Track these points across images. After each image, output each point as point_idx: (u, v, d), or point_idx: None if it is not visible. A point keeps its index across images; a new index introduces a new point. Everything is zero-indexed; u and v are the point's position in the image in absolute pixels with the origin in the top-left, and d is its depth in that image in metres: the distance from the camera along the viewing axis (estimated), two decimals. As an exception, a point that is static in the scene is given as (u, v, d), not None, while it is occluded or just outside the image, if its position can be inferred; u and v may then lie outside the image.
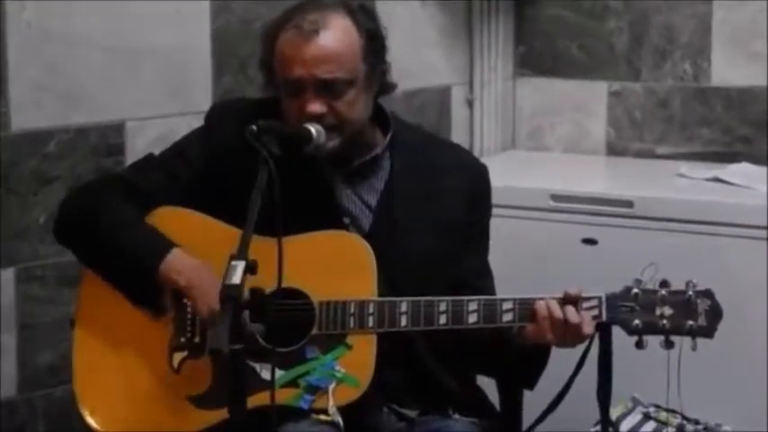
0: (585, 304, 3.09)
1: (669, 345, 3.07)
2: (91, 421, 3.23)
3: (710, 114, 4.66)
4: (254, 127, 2.97)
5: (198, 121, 3.41)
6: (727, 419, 4.02)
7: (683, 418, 4.00)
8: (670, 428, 3.98)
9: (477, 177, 3.45)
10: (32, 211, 3.63)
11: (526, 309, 3.09)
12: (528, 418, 3.35)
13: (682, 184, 4.40)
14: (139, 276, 3.20)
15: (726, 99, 4.63)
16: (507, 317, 3.10)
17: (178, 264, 3.18)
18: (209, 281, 3.09)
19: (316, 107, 3.16)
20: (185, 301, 3.19)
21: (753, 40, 4.58)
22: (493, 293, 3.31)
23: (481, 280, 3.38)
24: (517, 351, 3.21)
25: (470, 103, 4.80)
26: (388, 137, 3.36)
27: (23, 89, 3.68)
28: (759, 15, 4.56)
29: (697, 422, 4.00)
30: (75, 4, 3.75)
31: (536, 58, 4.91)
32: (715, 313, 3.07)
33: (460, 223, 3.37)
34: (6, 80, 3.64)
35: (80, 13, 3.76)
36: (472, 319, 3.11)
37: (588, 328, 3.08)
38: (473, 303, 3.12)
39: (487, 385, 3.46)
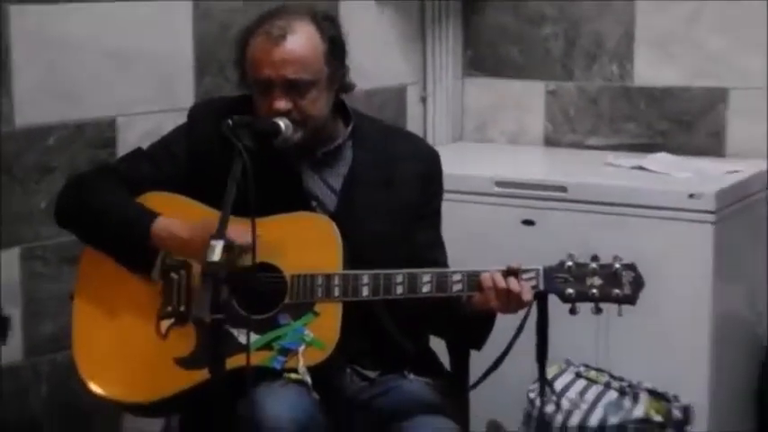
0: (525, 276, 3.12)
1: (598, 311, 3.11)
2: (88, 383, 3.25)
3: (634, 111, 4.71)
4: (230, 122, 3.03)
5: (181, 118, 3.44)
6: (648, 378, 4.05)
7: (610, 376, 4.06)
8: (598, 385, 4.04)
9: (430, 163, 3.48)
10: (35, 198, 3.64)
11: (474, 280, 3.12)
12: (474, 376, 3.37)
13: (609, 171, 4.45)
14: (135, 243, 3.23)
15: (648, 97, 4.68)
16: (457, 287, 3.14)
17: (166, 223, 3.21)
18: (196, 230, 3.12)
19: (283, 104, 3.19)
20: (172, 274, 3.22)
21: (670, 46, 4.63)
22: (445, 263, 3.37)
23: (434, 252, 3.42)
24: (465, 317, 3.23)
25: (424, 101, 4.82)
26: (350, 128, 3.39)
27: (26, 89, 3.68)
28: (676, 24, 4.61)
29: (621, 379, 4.05)
30: (72, 11, 3.76)
31: (482, 60, 4.92)
32: (638, 283, 3.11)
33: (415, 203, 3.40)
34: (10, 81, 3.64)
35: (76, 20, 3.77)
36: (426, 289, 3.14)
37: (528, 296, 3.11)
38: (427, 275, 3.15)
39: (438, 348, 3.47)
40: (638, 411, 3.97)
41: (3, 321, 3.37)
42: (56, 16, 3.73)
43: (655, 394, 4.01)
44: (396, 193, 3.37)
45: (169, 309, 3.22)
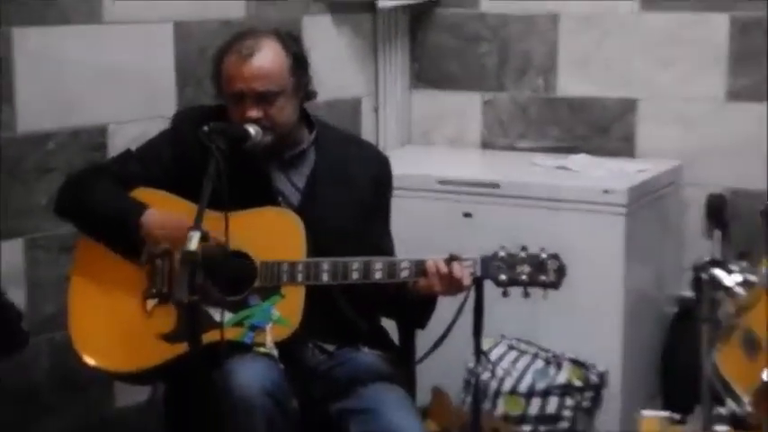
0: (465, 263, 3.13)
1: (527, 295, 3.13)
2: (83, 356, 3.26)
3: (557, 118, 4.72)
4: (206, 128, 3.04)
5: (164, 124, 3.45)
6: (570, 349, 4.10)
7: (538, 348, 4.11)
8: (527, 356, 4.09)
9: (382, 167, 3.50)
10: (36, 195, 3.63)
11: (420, 267, 3.13)
12: (420, 349, 3.40)
13: (536, 170, 4.46)
14: (125, 231, 3.22)
15: (569, 106, 4.69)
16: (405, 273, 3.15)
17: (152, 213, 3.22)
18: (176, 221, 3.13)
19: (253, 112, 3.21)
20: (156, 260, 3.22)
21: (588, 63, 4.64)
22: (393, 252, 3.39)
23: (384, 242, 3.43)
24: (411, 300, 3.24)
25: (376, 110, 4.80)
26: (313, 136, 3.39)
27: (27, 100, 3.66)
28: (593, 44, 4.62)
29: (547, 351, 4.10)
30: (67, 32, 3.74)
31: (426, 74, 4.91)
32: (561, 271, 3.13)
33: (368, 201, 3.42)
34: (13, 93, 3.62)
35: (72, 40, 3.75)
36: (378, 275, 3.15)
37: (467, 281, 3.13)
38: (379, 263, 3.16)
39: (389, 325, 3.48)
40: (562, 378, 4.02)
41: (23, 336, 3.35)
42: (53, 37, 3.71)
43: (575, 363, 4.06)
44: (351, 192, 3.38)
45: (153, 290, 3.22)
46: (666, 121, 4.54)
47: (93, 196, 3.30)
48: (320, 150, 3.40)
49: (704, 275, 3.00)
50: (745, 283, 2.91)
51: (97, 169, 3.44)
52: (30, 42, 3.65)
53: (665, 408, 3.24)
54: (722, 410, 2.93)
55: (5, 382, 3.61)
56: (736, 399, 2.74)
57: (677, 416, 3.11)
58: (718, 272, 2.97)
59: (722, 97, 4.45)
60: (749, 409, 2.70)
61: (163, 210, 3.24)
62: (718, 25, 4.41)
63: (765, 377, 2.64)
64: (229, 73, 3.26)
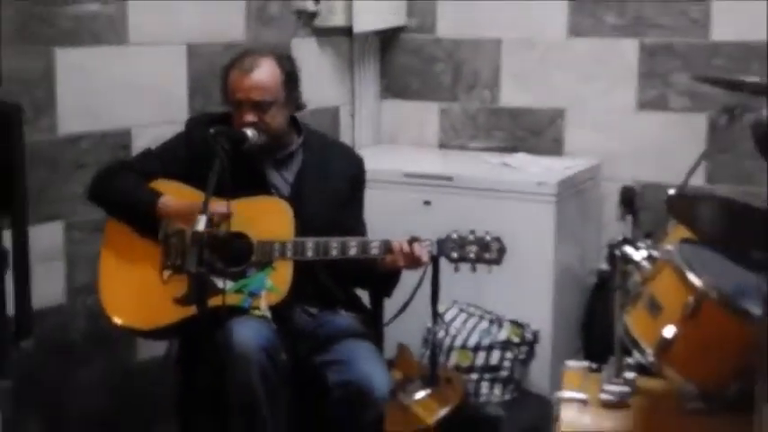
0: (424, 244, 3.15)
1: (474, 269, 3.16)
2: (111, 317, 3.27)
3: (501, 123, 4.71)
4: (212, 131, 3.06)
5: (179, 128, 3.45)
6: (509, 312, 4.10)
7: (484, 311, 4.11)
8: (474, 317, 4.09)
9: (357, 166, 3.51)
10: (73, 186, 3.60)
11: (387, 246, 3.16)
12: (387, 314, 3.44)
13: (483, 166, 4.45)
14: (145, 214, 3.24)
15: (509, 114, 4.68)
16: (374, 251, 3.17)
17: (167, 199, 3.23)
18: (187, 206, 3.13)
19: (250, 117, 3.22)
20: (171, 238, 3.21)
21: (526, 78, 4.64)
22: (365, 234, 3.39)
23: (358, 226, 3.43)
24: (379, 273, 3.27)
25: (352, 116, 4.78)
26: (301, 139, 3.40)
27: (65, 107, 3.64)
28: (530, 62, 4.62)
29: (491, 313, 4.09)
30: (99, 52, 3.72)
31: (393, 87, 4.90)
32: (502, 250, 3.15)
33: (345, 193, 3.44)
34: (54, 102, 3.60)
35: (102, 58, 3.74)
36: (353, 252, 3.17)
37: (425, 258, 3.15)
38: (353, 242, 3.18)
39: (361, 294, 3.50)
40: (502, 335, 4.01)
41: (28, 317, 3.30)
42: (87, 55, 3.69)
43: (514, 323, 4.06)
44: (332, 186, 3.40)
45: (169, 263, 3.22)
46: (588, 126, 4.55)
47: (119, 186, 3.31)
48: (307, 152, 3.41)
49: (617, 252, 3.03)
50: (649, 258, 2.94)
51: (122, 164, 3.44)
52: (68, 60, 3.62)
53: (585, 359, 3.25)
54: (631, 361, 2.99)
55: (48, 338, 3.60)
56: (642, 351, 2.75)
57: (595, 365, 3.13)
58: (629, 249, 3.00)
59: (633, 107, 4.45)
60: (652, 359, 2.72)
61: (176, 197, 3.25)
62: (629, 49, 4.42)
63: (664, 334, 2.68)
64: (232, 85, 3.28)
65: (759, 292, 2.43)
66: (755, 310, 2.52)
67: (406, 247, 3.14)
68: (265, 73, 3.26)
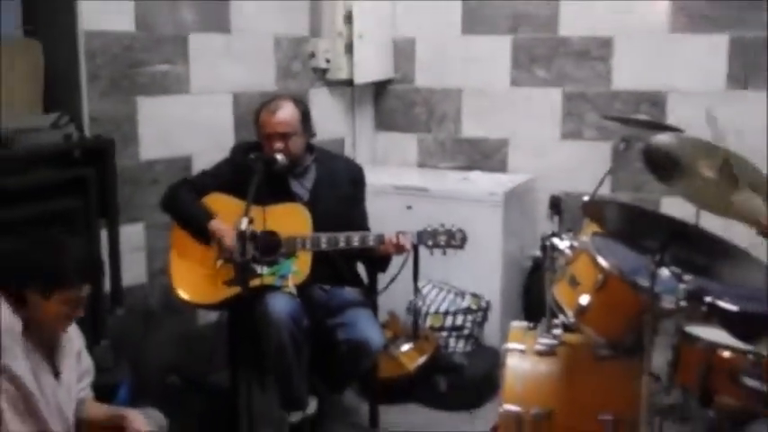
0: (407, 235, 3.16)
1: (444, 253, 3.17)
2: (179, 293, 3.27)
3: (462, 149, 4.67)
4: (252, 156, 3.09)
5: (225, 154, 3.45)
6: (470, 286, 4.08)
7: (451, 286, 4.08)
8: (444, 291, 4.06)
9: (358, 173, 3.49)
10: (151, 198, 3.59)
11: (380, 238, 3.16)
12: (381, 288, 3.42)
13: (450, 181, 4.41)
14: (200, 227, 3.23)
15: (468, 142, 4.65)
16: (371, 242, 3.17)
17: (215, 222, 3.20)
18: (227, 230, 3.11)
19: (279, 146, 3.22)
20: (222, 239, 3.20)
21: (480, 117, 4.61)
22: (368, 226, 3.37)
23: (362, 219, 3.42)
24: (376, 257, 3.27)
25: (354, 145, 4.77)
26: (313, 156, 3.39)
27: (145, 140, 3.65)
28: (483, 105, 4.57)
29: (456, 288, 4.07)
30: (169, 98, 3.71)
31: (384, 122, 4.85)
32: (464, 239, 3.17)
33: (351, 196, 3.42)
34: (137, 136, 3.61)
35: (172, 103, 3.74)
36: (355, 243, 3.17)
37: (408, 246, 3.16)
38: (356, 236, 3.18)
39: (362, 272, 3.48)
40: (465, 304, 4.01)
41: (119, 293, 3.32)
42: (160, 101, 3.69)
43: (473, 295, 4.05)
44: (339, 191, 3.38)
45: (221, 254, 3.21)
46: (525, 151, 4.52)
47: (180, 206, 3.30)
48: (318, 166, 3.39)
49: (547, 243, 3.05)
50: (570, 247, 2.96)
51: (185, 181, 3.43)
52: (146, 106, 3.63)
53: (525, 320, 3.25)
54: (557, 321, 2.98)
55: (134, 308, 3.61)
56: (565, 314, 2.76)
57: (531, 325, 3.12)
58: (556, 240, 3.03)
59: (558, 137, 4.43)
60: (572, 320, 2.73)
61: (222, 205, 3.23)
62: (555, 95, 4.40)
63: (581, 301, 2.69)
64: (263, 122, 3.28)
65: (647, 270, 2.45)
66: (644, 283, 2.54)
67: (394, 239, 3.15)
68: (287, 113, 3.27)
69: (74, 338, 2.51)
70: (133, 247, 3.61)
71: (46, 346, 2.40)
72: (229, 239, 3.08)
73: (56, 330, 2.40)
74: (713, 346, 2.52)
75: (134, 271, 3.62)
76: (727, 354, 2.49)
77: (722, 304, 2.64)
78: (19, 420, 2.27)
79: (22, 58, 3.13)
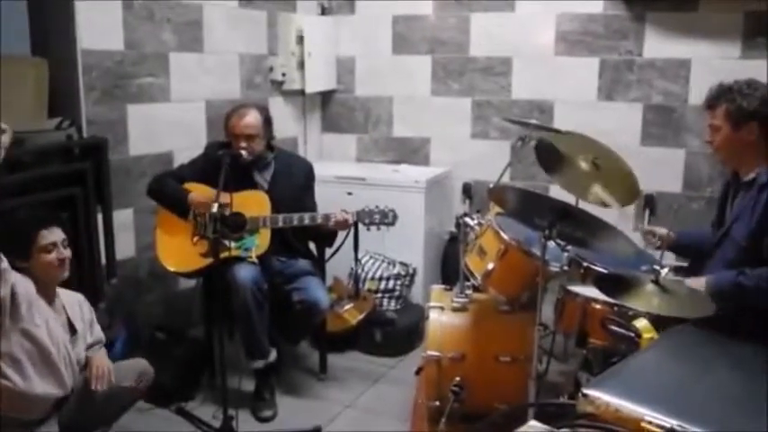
0: (349, 214, 3.16)
1: (379, 229, 3.18)
2: (164, 264, 3.24)
3: (393, 146, 4.66)
4: (221, 152, 3.01)
5: (200, 150, 3.42)
6: (399, 256, 4.08)
7: (385, 257, 4.08)
8: (379, 260, 4.06)
9: (309, 167, 3.47)
10: (139, 187, 3.53)
11: (327, 217, 3.16)
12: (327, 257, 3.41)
13: (383, 171, 4.40)
14: (181, 201, 3.19)
15: (398, 141, 4.64)
16: (320, 220, 3.17)
17: (192, 195, 3.16)
18: (203, 198, 3.09)
19: (243, 144, 3.19)
20: (197, 218, 3.18)
21: (406, 120, 4.58)
22: (315, 210, 3.34)
23: (312, 205, 3.39)
24: (324, 232, 3.26)
25: (305, 143, 4.72)
26: (273, 154, 3.36)
27: (133, 139, 3.57)
28: (408, 111, 4.57)
29: (389, 258, 4.07)
30: (153, 106, 3.65)
31: (330, 125, 4.81)
32: (395, 217, 3.19)
33: (303, 185, 3.39)
34: (127, 136, 3.54)
35: (156, 108, 3.66)
36: (307, 221, 3.16)
37: (350, 222, 3.16)
38: (307, 215, 3.17)
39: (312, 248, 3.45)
40: (395, 270, 4.02)
41: (113, 265, 3.25)
42: (147, 108, 3.62)
43: (402, 263, 4.07)
44: (294, 182, 3.36)
45: (197, 231, 3.19)
46: (444, 148, 4.53)
47: (164, 189, 3.25)
48: (277, 161, 3.37)
49: (461, 221, 3.05)
50: (479, 224, 2.97)
51: (166, 173, 3.38)
52: (135, 111, 3.57)
53: (443, 284, 3.28)
54: (468, 284, 2.99)
55: (126, 277, 3.55)
56: (475, 278, 2.80)
57: (448, 287, 3.14)
58: (467, 219, 3.04)
59: (468, 137, 4.45)
60: (480, 282, 2.78)
61: (199, 192, 3.19)
62: (466, 103, 4.41)
63: (487, 267, 2.74)
64: (233, 124, 3.25)
65: (539, 242, 2.50)
66: (537, 252, 2.59)
67: (339, 216, 3.16)
68: (252, 118, 3.25)
69: (85, 310, 2.59)
70: (124, 227, 3.55)
71: (56, 303, 2.44)
72: (205, 202, 3.05)
73: (57, 277, 2.43)
74: (588, 300, 2.61)
75: (125, 247, 3.56)
76: (598, 306, 2.58)
77: (596, 267, 2.74)
78: (35, 371, 2.33)
79: (31, 72, 3.08)
